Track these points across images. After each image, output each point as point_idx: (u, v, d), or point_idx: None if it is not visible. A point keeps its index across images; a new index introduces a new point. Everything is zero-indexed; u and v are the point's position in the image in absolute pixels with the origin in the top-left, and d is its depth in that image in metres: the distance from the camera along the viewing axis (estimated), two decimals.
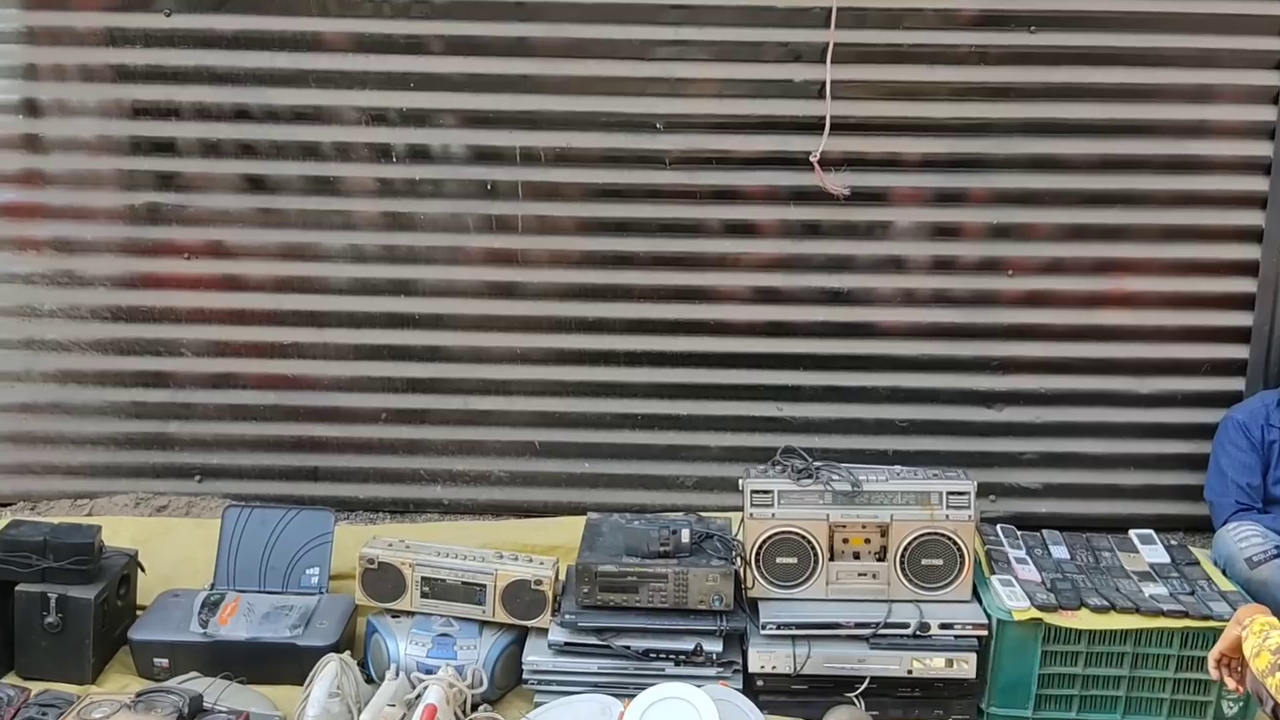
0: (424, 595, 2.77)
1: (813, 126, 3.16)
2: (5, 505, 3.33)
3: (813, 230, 3.27)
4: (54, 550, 2.69)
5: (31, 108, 3.20)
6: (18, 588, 2.69)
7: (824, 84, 3.12)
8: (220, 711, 2.50)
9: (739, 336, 3.33)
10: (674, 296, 3.30)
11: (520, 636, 2.77)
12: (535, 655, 2.69)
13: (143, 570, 2.92)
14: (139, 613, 2.89)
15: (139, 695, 2.49)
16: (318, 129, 3.20)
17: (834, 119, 3.15)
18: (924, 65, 3.16)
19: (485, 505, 3.45)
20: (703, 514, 2.99)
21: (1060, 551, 2.96)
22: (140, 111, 3.19)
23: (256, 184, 3.24)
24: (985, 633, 2.67)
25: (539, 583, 2.73)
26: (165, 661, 2.72)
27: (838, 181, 3.18)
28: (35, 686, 2.60)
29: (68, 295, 3.29)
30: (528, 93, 3.18)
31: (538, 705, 2.67)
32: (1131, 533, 3.03)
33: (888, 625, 2.66)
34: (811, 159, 3.16)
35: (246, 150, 3.21)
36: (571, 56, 3.15)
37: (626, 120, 3.19)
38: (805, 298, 3.30)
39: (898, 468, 2.81)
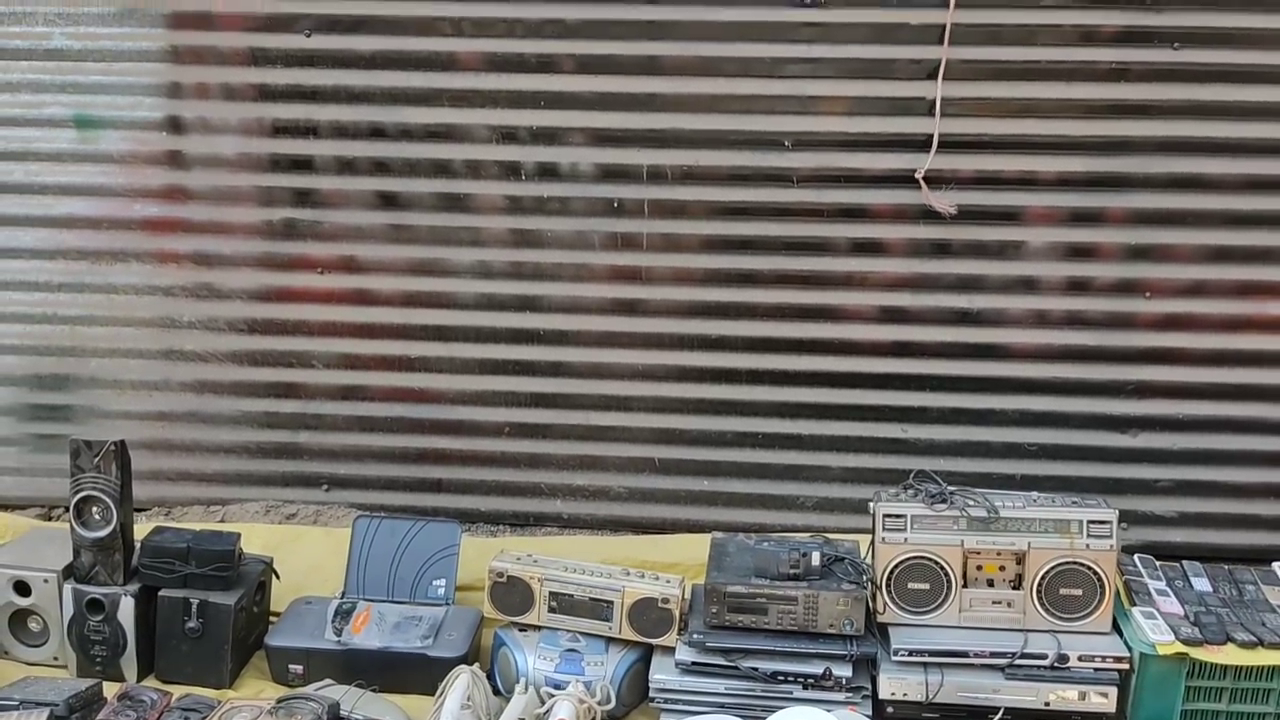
0: (551, 610, 2.79)
1: (945, 144, 3.12)
2: (141, 510, 3.43)
3: (942, 249, 3.22)
4: (196, 557, 2.77)
5: (175, 125, 3.30)
6: (161, 593, 2.78)
7: (936, 101, 3.08)
8: (356, 719, 2.55)
9: (864, 356, 3.29)
10: (798, 315, 3.28)
11: (646, 654, 2.77)
12: (662, 673, 2.68)
13: (277, 577, 3.00)
14: (273, 619, 2.97)
15: (279, 701, 2.55)
16: (450, 147, 3.25)
17: (965, 136, 3.10)
18: (1061, 82, 3.10)
19: (604, 520, 3.46)
20: (828, 536, 2.96)
21: (1202, 584, 2.87)
22: (279, 129, 3.27)
23: (389, 201, 3.30)
24: (1126, 666, 2.60)
25: (666, 601, 2.73)
26: (300, 668, 2.77)
27: (945, 200, 3.14)
28: (176, 690, 2.68)
29: (206, 308, 3.38)
30: (657, 111, 3.19)
31: None
32: (1275, 565, 2.93)
33: (1024, 655, 2.60)
34: (917, 175, 3.12)
35: (380, 168, 3.28)
36: (702, 75, 3.14)
37: (754, 138, 3.18)
38: (933, 318, 3.25)
39: (1034, 494, 2.75)
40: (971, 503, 2.70)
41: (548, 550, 2.97)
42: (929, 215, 3.19)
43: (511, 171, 3.26)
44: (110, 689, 2.66)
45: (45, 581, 2.78)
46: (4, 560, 2.84)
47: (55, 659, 2.82)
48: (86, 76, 3.27)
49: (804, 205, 3.21)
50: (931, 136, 3.12)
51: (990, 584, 2.69)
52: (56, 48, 3.27)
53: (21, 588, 2.79)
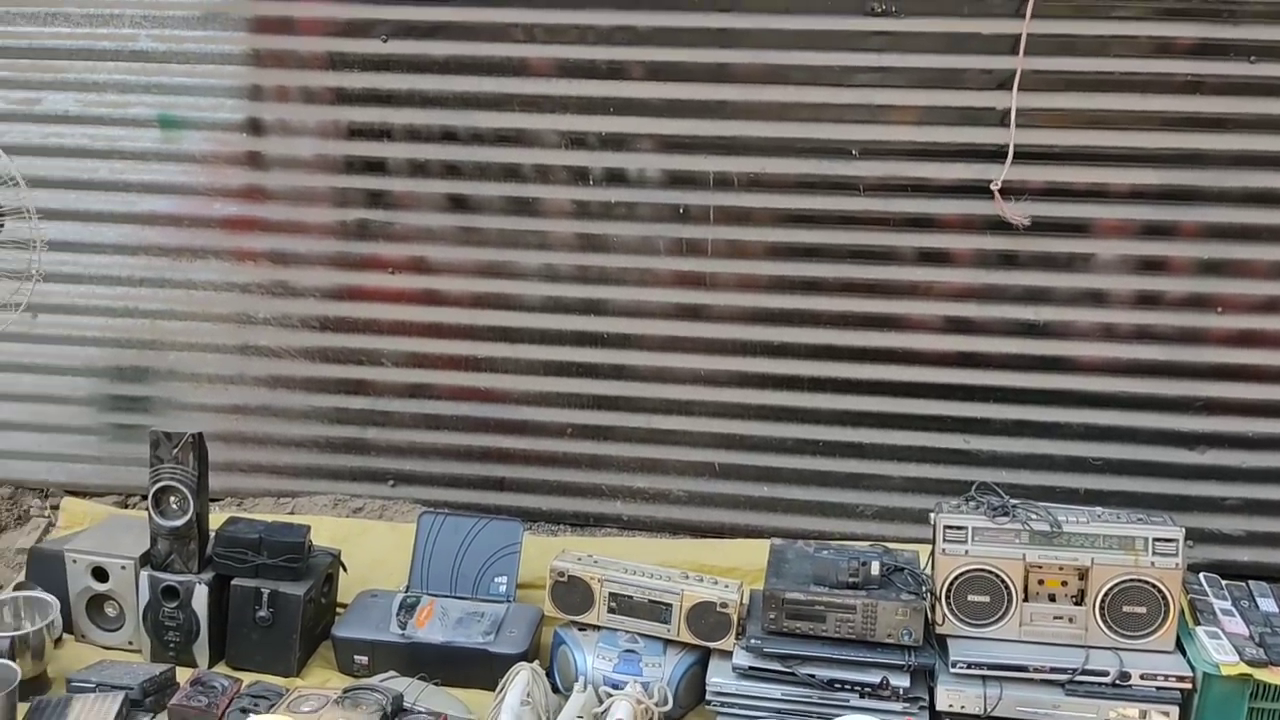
0: (611, 611, 2.82)
1: (1018, 155, 3.10)
2: (214, 500, 3.50)
3: (1009, 260, 3.20)
4: (268, 548, 2.85)
5: (255, 127, 3.39)
6: (233, 582, 2.86)
7: (1011, 111, 3.06)
8: (420, 712, 2.60)
9: (927, 366, 3.28)
10: (862, 324, 3.28)
11: (703, 657, 2.80)
12: (719, 677, 2.71)
13: (344, 570, 3.07)
14: (339, 610, 3.04)
15: (345, 692, 2.61)
16: (519, 151, 3.30)
17: (1036, 147, 3.08)
18: (1135, 94, 3.06)
19: (663, 523, 3.49)
20: (888, 545, 2.96)
21: (1268, 604, 2.83)
22: (355, 132, 3.34)
23: (459, 203, 3.36)
24: (1189, 686, 2.57)
25: (724, 605, 2.75)
26: (365, 659, 2.84)
27: (1019, 211, 3.12)
28: (245, 677, 2.76)
29: (280, 305, 3.47)
30: (725, 118, 3.20)
31: None
32: None
33: (1085, 671, 2.58)
34: (992, 187, 3.11)
35: (451, 171, 3.34)
36: (771, 83, 3.16)
37: (822, 146, 3.18)
38: (999, 329, 3.23)
39: (1098, 509, 2.73)
40: (1034, 516, 2.69)
41: (607, 551, 3.00)
42: (997, 226, 3.17)
43: (580, 176, 3.30)
44: (183, 674, 2.76)
45: (123, 568, 2.87)
46: (83, 546, 2.93)
47: (130, 643, 2.91)
48: (171, 78, 3.36)
49: (870, 214, 3.21)
50: (1000, 147, 3.10)
51: (1052, 599, 2.68)
52: (142, 49, 3.37)
53: (100, 574, 2.89)
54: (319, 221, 3.41)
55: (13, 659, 2.61)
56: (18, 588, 2.96)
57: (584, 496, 3.51)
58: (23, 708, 2.56)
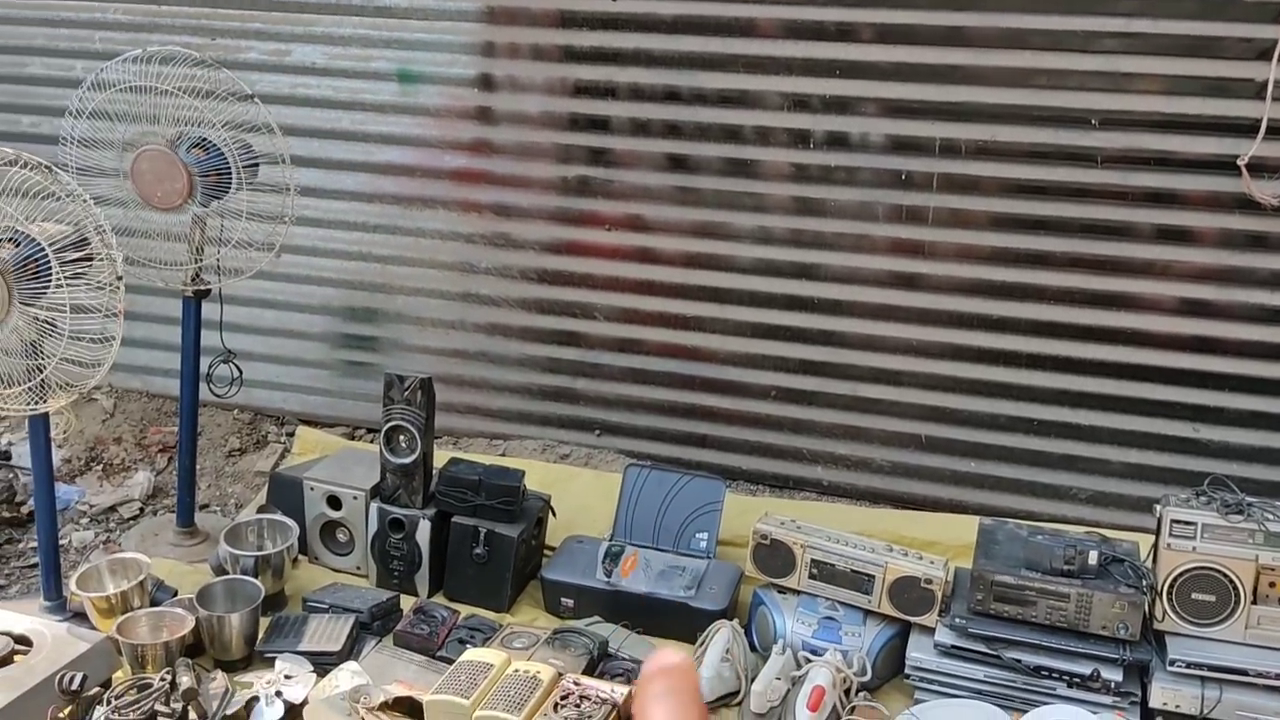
0: (812, 577, 2.84)
1: (1272, 130, 2.90)
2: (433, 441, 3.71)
3: (1258, 242, 3.01)
4: (486, 489, 2.98)
5: (486, 82, 3.50)
6: (454, 519, 3.01)
7: (1269, 84, 2.85)
8: (624, 658, 2.70)
9: (1158, 349, 3.13)
10: (1089, 301, 3.15)
11: (903, 630, 2.78)
12: (919, 652, 2.69)
13: (553, 514, 3.19)
14: (546, 553, 3.17)
15: (555, 633, 2.73)
16: (741, 113, 3.29)
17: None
18: None
19: (864, 491, 3.48)
20: (1104, 534, 2.86)
21: None
22: (581, 90, 3.41)
23: (678, 163, 3.39)
24: None
25: (929, 581, 2.73)
26: (570, 602, 2.95)
27: (1268, 190, 2.91)
28: (462, 609, 2.92)
29: (501, 256, 3.59)
30: (955, 83, 3.11)
31: (917, 701, 2.68)
32: None
33: None
34: (1239, 162, 2.91)
35: (672, 130, 3.36)
36: (1007, 47, 3.04)
37: (1059, 115, 3.06)
38: (1240, 314, 3.05)
39: None
40: (1271, 516, 2.54)
41: (806, 515, 3.01)
42: (1246, 205, 2.98)
43: (800, 139, 3.27)
44: (406, 601, 2.93)
45: (354, 499, 3.06)
46: (320, 476, 3.14)
47: (358, 568, 3.11)
48: (410, 33, 3.50)
49: (1107, 187, 3.07)
50: (1258, 122, 2.91)
51: None
52: (385, 5, 3.51)
53: (334, 502, 3.09)
54: (542, 176, 3.51)
55: (256, 576, 2.84)
56: (259, 510, 3.21)
57: (785, 459, 3.52)
58: (263, 622, 2.78)
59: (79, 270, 2.55)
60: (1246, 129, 2.93)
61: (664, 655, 0.91)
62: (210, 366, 3.20)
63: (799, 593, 2.86)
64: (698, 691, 0.90)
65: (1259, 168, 2.93)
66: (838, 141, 3.25)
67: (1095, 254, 3.12)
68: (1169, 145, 3.01)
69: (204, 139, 2.93)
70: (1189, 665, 2.52)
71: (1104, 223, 3.10)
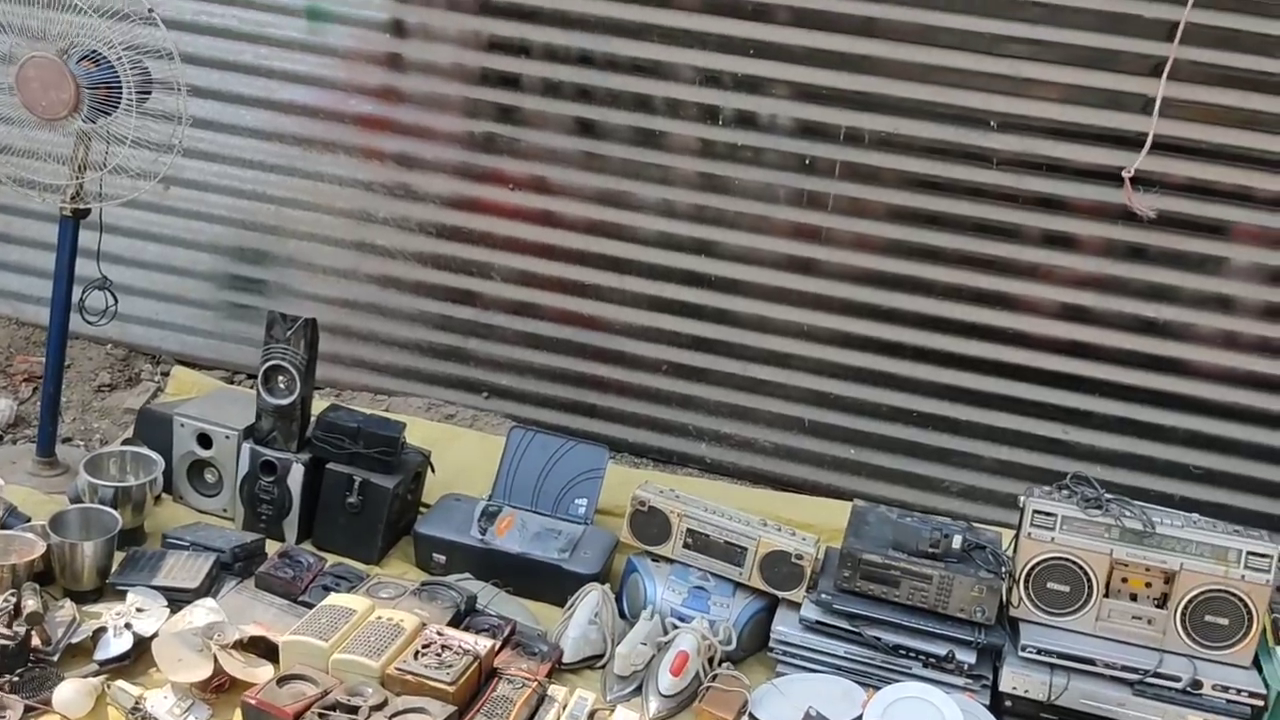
0: (686, 546, 2.85)
1: (1159, 146, 3.01)
2: (314, 389, 3.63)
3: (1138, 254, 3.12)
4: (365, 438, 2.92)
5: (398, 28, 3.43)
6: (328, 465, 2.94)
7: (1156, 100, 2.96)
8: (490, 614, 2.67)
9: (1036, 350, 3.23)
10: (975, 299, 3.23)
11: (770, 605, 2.81)
12: (785, 626, 2.72)
13: (433, 470, 3.14)
14: (422, 509, 3.12)
15: (423, 585, 2.69)
16: (653, 83, 3.29)
17: (1181, 140, 3.01)
18: None
19: (746, 471, 3.51)
20: (971, 523, 2.94)
21: None
22: (494, 45, 3.37)
23: (586, 128, 3.37)
24: (1261, 703, 2.52)
25: (799, 557, 2.76)
26: (443, 558, 2.91)
27: (1145, 202, 3.03)
28: (329, 558, 2.85)
29: (400, 207, 3.53)
30: (865, 73, 3.16)
31: (779, 674, 2.72)
32: None
33: (1157, 674, 2.54)
34: (1124, 174, 3.02)
35: (583, 95, 3.35)
36: (917, 43, 3.10)
37: (960, 114, 3.13)
38: (1116, 322, 3.17)
39: (1195, 516, 2.66)
40: (1128, 514, 2.64)
41: (687, 490, 3.02)
42: (1131, 216, 3.09)
43: (710, 115, 3.29)
44: (271, 546, 2.86)
45: (226, 438, 2.97)
46: (191, 413, 3.04)
47: (224, 510, 3.02)
48: None
49: (1000, 189, 3.15)
50: (1144, 136, 3.01)
51: (1133, 598, 2.63)
52: None
53: (204, 440, 2.99)
54: (448, 130, 3.45)
55: (115, 509, 2.74)
56: (125, 443, 3.09)
57: (671, 434, 3.54)
58: (118, 557, 2.68)
59: None
60: (1134, 142, 3.04)
61: None
62: (84, 294, 3.07)
63: (672, 561, 2.87)
64: None
65: (1143, 180, 3.03)
66: (746, 121, 3.27)
67: (985, 253, 3.20)
68: (1061, 153, 3.10)
69: (95, 52, 2.81)
70: (1040, 651, 2.60)
71: (995, 223, 3.18)
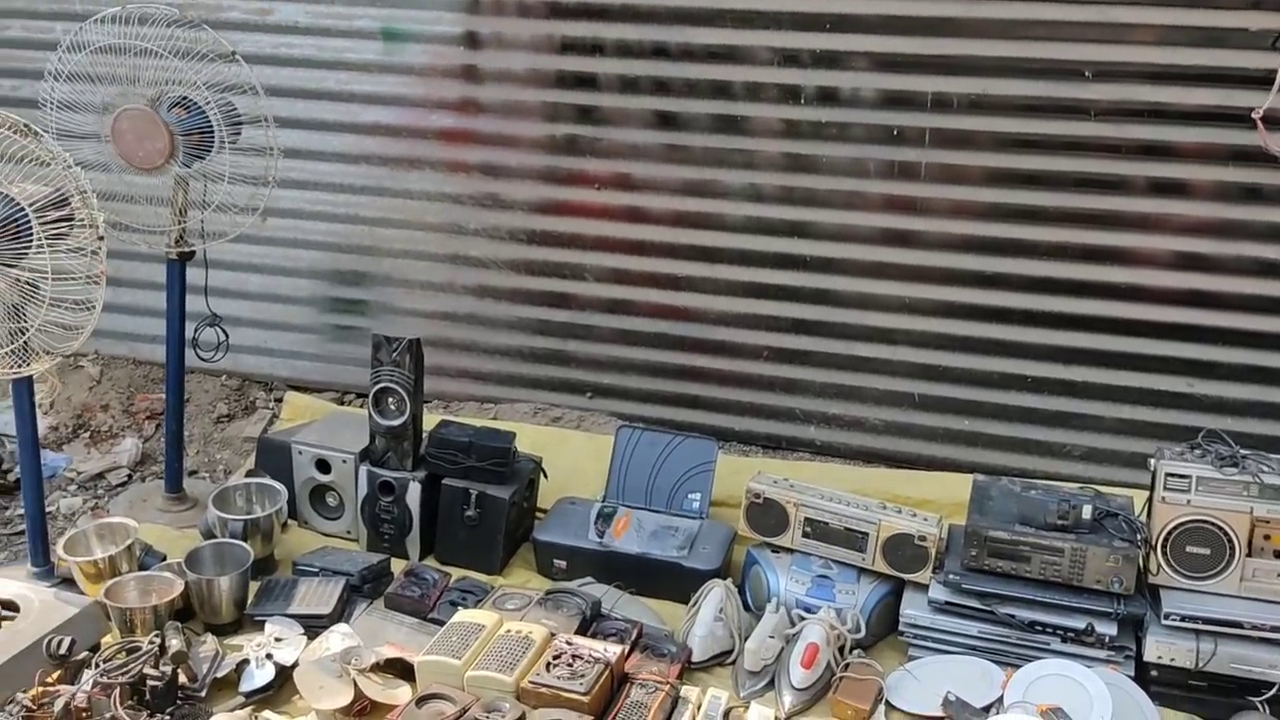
0: (805, 535, 2.82)
1: (1265, 81, 2.86)
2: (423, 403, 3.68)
3: (1253, 195, 2.98)
4: (477, 451, 2.96)
5: (472, 40, 3.44)
6: (444, 481, 2.98)
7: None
8: (616, 618, 2.68)
9: (1152, 304, 3.11)
10: (1083, 256, 3.13)
11: (897, 588, 2.77)
12: (914, 609, 2.68)
13: (545, 476, 3.16)
14: (538, 515, 3.15)
15: (547, 594, 2.72)
16: (730, 68, 3.25)
17: None
18: None
19: (857, 450, 3.46)
20: (1098, 489, 2.85)
21: None
22: (568, 47, 3.36)
23: (667, 120, 3.34)
24: None
25: (923, 539, 2.71)
26: (564, 564, 2.93)
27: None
28: (453, 572, 2.90)
29: (490, 216, 3.55)
30: (947, 36, 3.07)
31: (912, 658, 2.68)
32: None
33: None
34: (1254, 115, 2.87)
35: (660, 87, 3.32)
36: None
37: (1052, 67, 3.02)
38: (1236, 267, 3.03)
39: None
40: (1266, 469, 2.53)
41: (800, 475, 3.00)
42: (1239, 157, 2.95)
43: (791, 95, 3.23)
44: (396, 565, 2.92)
45: (344, 462, 3.04)
46: (309, 439, 3.11)
47: (348, 532, 3.09)
48: None
49: (1101, 140, 3.04)
50: (1244, 71, 2.87)
51: (1277, 555, 2.53)
52: None
53: (323, 466, 3.06)
54: (529, 135, 3.46)
55: (245, 540, 2.81)
56: (248, 474, 3.18)
57: (778, 419, 3.50)
58: (253, 586, 2.76)
59: (59, 231, 2.51)
60: (1241, 80, 2.90)
61: None
62: (196, 331, 3.16)
63: (792, 551, 2.84)
64: None
65: (1269, 119, 2.88)
66: (828, 97, 3.21)
67: (1089, 208, 3.09)
68: (1163, 97, 2.97)
69: (185, 98, 2.88)
70: (1184, 618, 2.51)
71: (1098, 176, 3.07)
